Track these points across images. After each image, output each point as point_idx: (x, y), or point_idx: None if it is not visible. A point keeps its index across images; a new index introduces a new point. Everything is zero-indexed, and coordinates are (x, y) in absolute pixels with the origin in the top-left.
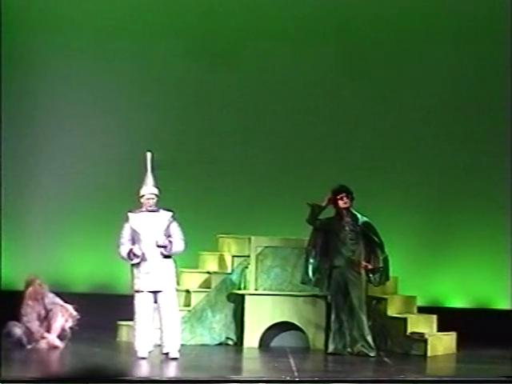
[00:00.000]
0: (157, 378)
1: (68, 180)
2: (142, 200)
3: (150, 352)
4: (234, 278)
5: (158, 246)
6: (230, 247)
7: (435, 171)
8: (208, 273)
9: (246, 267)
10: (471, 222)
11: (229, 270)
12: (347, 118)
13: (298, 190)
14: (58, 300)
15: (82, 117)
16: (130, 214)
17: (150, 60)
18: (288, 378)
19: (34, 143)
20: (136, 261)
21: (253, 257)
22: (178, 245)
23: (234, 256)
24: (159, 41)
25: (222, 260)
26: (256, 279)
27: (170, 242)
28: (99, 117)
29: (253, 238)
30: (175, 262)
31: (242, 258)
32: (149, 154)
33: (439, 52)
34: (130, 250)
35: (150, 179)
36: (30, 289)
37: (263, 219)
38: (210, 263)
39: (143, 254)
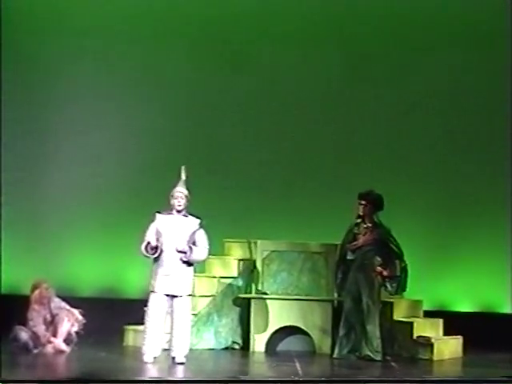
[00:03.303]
0: (162, 379)
1: (75, 184)
2: (172, 201)
3: (155, 357)
4: (240, 282)
5: (178, 252)
6: (236, 251)
7: (442, 176)
8: (214, 277)
9: (252, 271)
10: (477, 226)
11: (235, 275)
12: (355, 122)
13: (305, 194)
14: (64, 304)
15: (90, 121)
16: (157, 215)
17: (158, 64)
18: (296, 378)
19: (42, 148)
20: (154, 254)
21: (259, 261)
22: (200, 253)
23: (240, 260)
24: (166, 45)
25: (228, 264)
26: (262, 283)
27: (190, 248)
28: (106, 121)
29: (259, 242)
30: (194, 269)
31: (248, 262)
32: (183, 168)
33: (445, 55)
34: (148, 244)
35: (181, 182)
36: (36, 292)
37: (269, 223)
38: (216, 267)
39: (161, 250)
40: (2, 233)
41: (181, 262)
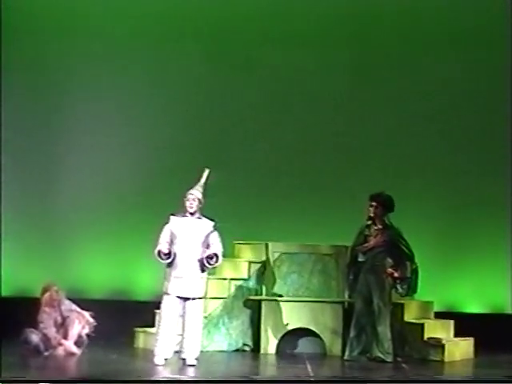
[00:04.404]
0: (173, 380)
1: (85, 186)
2: (185, 203)
3: (166, 359)
4: (251, 284)
5: (205, 258)
6: (247, 253)
7: (450, 177)
8: (225, 279)
9: (263, 273)
10: (487, 228)
11: (245, 276)
12: (361, 124)
13: (315, 196)
14: (75, 307)
15: (97, 122)
16: (172, 217)
17: (167, 66)
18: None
19: (53, 149)
20: (167, 260)
21: (269, 263)
22: (219, 258)
23: (250, 262)
24: (175, 47)
25: (238, 266)
26: (272, 285)
27: (216, 255)
28: (113, 122)
29: (269, 243)
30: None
31: (259, 264)
32: (206, 171)
33: (445, 55)
34: (160, 250)
35: (198, 185)
36: (47, 295)
37: (280, 225)
38: (227, 269)
39: (174, 254)
40: (2, 234)
41: (198, 265)
